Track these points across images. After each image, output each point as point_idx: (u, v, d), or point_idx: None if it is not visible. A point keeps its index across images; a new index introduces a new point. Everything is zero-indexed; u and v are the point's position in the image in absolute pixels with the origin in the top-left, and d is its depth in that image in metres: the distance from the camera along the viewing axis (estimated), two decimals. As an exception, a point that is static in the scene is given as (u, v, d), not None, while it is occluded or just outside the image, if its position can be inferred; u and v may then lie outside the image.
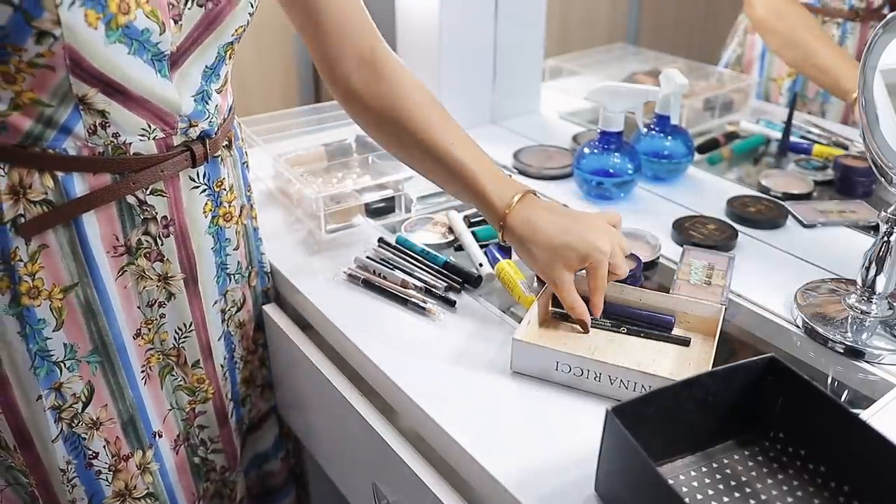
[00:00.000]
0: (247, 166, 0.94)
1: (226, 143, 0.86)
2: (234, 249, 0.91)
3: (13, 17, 0.62)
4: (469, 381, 0.79)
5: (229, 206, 0.88)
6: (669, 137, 1.20)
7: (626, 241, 0.86)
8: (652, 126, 1.21)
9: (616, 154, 1.13)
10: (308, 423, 1.03)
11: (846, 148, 1.31)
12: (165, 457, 0.90)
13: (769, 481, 0.65)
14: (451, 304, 0.90)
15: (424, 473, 0.76)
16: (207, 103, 0.80)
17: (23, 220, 0.72)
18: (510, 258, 0.97)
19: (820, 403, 0.64)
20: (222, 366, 0.94)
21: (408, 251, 0.99)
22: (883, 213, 0.81)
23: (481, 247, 1.00)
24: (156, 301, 0.82)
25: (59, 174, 0.72)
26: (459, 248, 1.03)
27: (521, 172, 1.25)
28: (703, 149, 1.33)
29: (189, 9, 0.72)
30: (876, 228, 0.87)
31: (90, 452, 0.82)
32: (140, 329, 0.82)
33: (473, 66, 1.39)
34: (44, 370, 0.77)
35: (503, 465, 0.69)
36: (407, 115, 0.88)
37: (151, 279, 0.81)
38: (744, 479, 0.65)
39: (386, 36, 0.93)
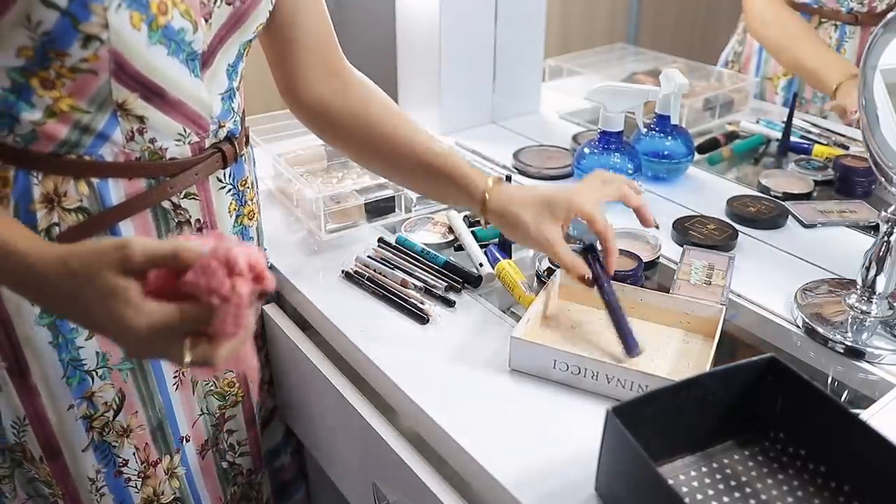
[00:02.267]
0: (255, 163, 0.94)
1: (245, 140, 0.86)
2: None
3: (60, 22, 0.61)
4: (469, 381, 0.79)
5: (252, 203, 0.88)
6: (669, 137, 1.20)
7: (619, 184, 0.85)
8: (652, 126, 1.21)
9: (616, 154, 1.13)
10: (308, 423, 1.03)
11: (846, 148, 1.31)
12: (191, 461, 0.90)
13: (769, 481, 0.65)
14: (451, 304, 0.90)
15: (424, 473, 0.76)
16: (233, 102, 0.80)
17: (57, 228, 0.71)
18: (510, 258, 0.97)
19: (820, 403, 0.64)
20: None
21: (408, 251, 0.99)
22: (883, 213, 0.81)
23: (481, 247, 1.00)
24: None
25: (95, 180, 0.71)
26: (459, 248, 1.03)
27: (521, 172, 1.24)
28: (703, 149, 1.33)
29: (218, 7, 0.72)
30: (876, 228, 0.87)
31: (120, 460, 0.82)
32: None
33: (473, 67, 1.39)
34: (76, 379, 0.76)
35: (503, 464, 0.69)
36: (378, 120, 0.89)
37: None
38: (744, 479, 0.65)
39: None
